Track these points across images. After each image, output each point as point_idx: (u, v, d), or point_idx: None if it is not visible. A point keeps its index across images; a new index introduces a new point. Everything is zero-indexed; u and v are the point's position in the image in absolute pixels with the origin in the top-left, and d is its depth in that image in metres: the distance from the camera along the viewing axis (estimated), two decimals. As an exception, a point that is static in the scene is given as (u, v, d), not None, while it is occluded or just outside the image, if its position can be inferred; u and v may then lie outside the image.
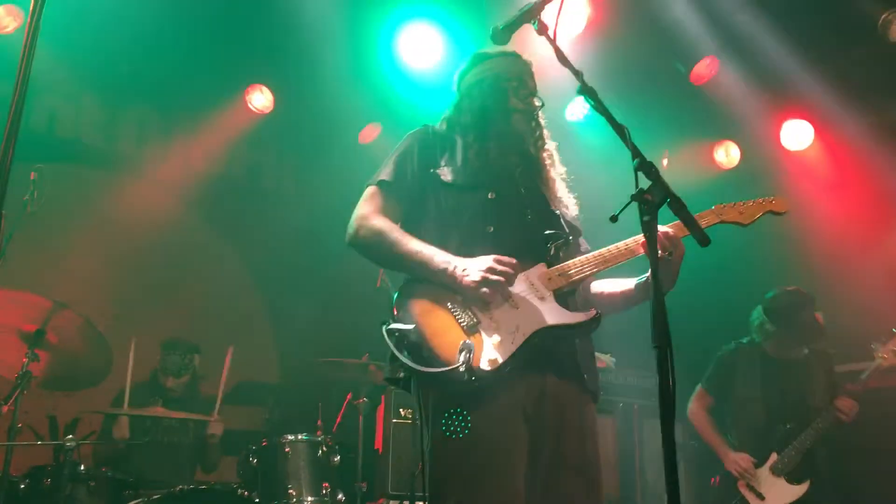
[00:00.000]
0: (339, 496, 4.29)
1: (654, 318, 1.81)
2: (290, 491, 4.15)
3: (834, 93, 5.70)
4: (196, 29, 5.54)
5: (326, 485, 4.24)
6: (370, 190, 2.68)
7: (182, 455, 5.00)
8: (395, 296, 2.50)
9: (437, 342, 2.32)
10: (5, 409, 3.74)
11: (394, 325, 2.38)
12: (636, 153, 1.97)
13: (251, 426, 5.75)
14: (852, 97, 5.69)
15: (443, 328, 2.35)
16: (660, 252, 2.25)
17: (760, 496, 4.47)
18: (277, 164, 7.15)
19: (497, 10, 4.78)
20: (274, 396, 5.98)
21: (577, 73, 2.19)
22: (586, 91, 2.16)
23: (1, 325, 4.02)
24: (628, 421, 5.53)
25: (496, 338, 2.32)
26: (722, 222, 2.58)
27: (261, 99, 6.34)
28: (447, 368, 2.23)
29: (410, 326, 2.36)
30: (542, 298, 2.42)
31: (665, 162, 6.50)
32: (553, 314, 2.39)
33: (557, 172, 2.80)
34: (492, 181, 2.63)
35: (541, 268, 2.49)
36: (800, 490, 4.46)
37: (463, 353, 2.23)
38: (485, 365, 2.25)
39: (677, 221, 2.08)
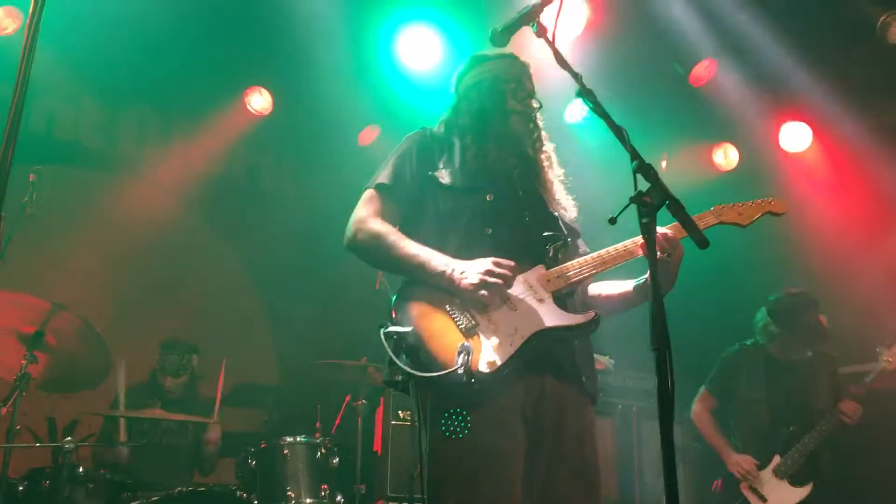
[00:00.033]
0: (338, 498, 4.28)
1: (652, 320, 1.81)
2: (289, 493, 4.14)
3: (833, 95, 5.70)
4: (195, 31, 5.54)
5: (325, 487, 4.23)
6: (368, 193, 2.68)
7: (181, 457, 4.99)
8: (394, 298, 2.50)
9: (435, 345, 2.31)
10: (4, 410, 3.74)
11: (392, 328, 2.37)
12: (635, 155, 1.97)
13: (250, 428, 5.75)
14: (851, 99, 5.69)
15: (441, 331, 2.35)
16: (658, 253, 2.25)
17: (763, 498, 4.47)
18: (276, 166, 7.15)
19: (496, 12, 4.78)
20: (273, 398, 5.99)
21: (576, 76, 2.20)
22: (585, 93, 2.16)
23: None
24: (627, 423, 5.53)
25: (494, 340, 2.32)
26: (721, 223, 2.59)
27: (260, 101, 6.34)
28: (446, 371, 2.23)
29: (408, 329, 2.36)
30: (540, 300, 2.42)
31: (664, 164, 6.51)
32: (552, 316, 2.39)
33: (556, 174, 2.80)
34: (490, 183, 2.63)
35: (539, 270, 2.49)
36: (803, 492, 4.46)
37: (461, 356, 2.22)
38: (483, 367, 2.25)
39: (676, 223, 2.08)
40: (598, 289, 2.68)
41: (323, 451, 4.34)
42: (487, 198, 2.60)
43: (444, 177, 2.65)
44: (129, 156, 6.35)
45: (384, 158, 2.76)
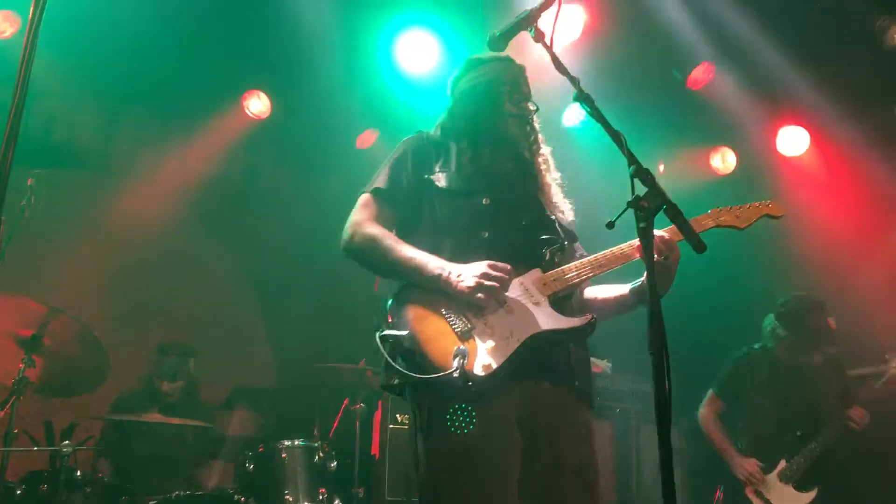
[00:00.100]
0: (336, 502, 4.28)
1: (650, 324, 1.81)
2: (287, 497, 4.14)
3: (830, 98, 5.72)
4: (194, 34, 5.54)
5: (323, 490, 4.23)
6: (364, 197, 2.68)
7: (179, 461, 4.98)
8: (390, 302, 2.50)
9: (431, 348, 2.31)
10: (1, 414, 3.74)
11: (387, 332, 2.38)
12: (632, 160, 1.97)
13: (248, 432, 5.73)
14: (848, 103, 5.70)
15: (437, 334, 2.35)
16: (655, 256, 2.25)
17: (768, 502, 4.47)
18: (275, 170, 7.14)
19: (494, 16, 4.79)
20: (270, 402, 5.97)
21: (574, 80, 2.20)
22: (583, 98, 2.17)
23: (-3, 331, 4.01)
24: (625, 426, 5.53)
25: (490, 343, 2.32)
26: (718, 226, 2.60)
27: (258, 104, 6.34)
28: (441, 374, 2.23)
29: (404, 333, 2.36)
30: (536, 303, 2.42)
31: (661, 168, 6.52)
32: (548, 319, 2.39)
33: (553, 177, 2.80)
34: (486, 186, 2.63)
35: (536, 273, 2.50)
36: (808, 497, 4.46)
37: (457, 359, 2.22)
38: (479, 370, 2.25)
39: (673, 226, 2.09)
40: (594, 292, 2.68)
41: (321, 454, 4.34)
42: (484, 201, 2.60)
43: (441, 180, 2.65)
44: (127, 159, 6.35)
45: (382, 162, 2.76)
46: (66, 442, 3.95)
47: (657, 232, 2.31)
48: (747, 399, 4.84)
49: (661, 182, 1.95)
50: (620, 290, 2.58)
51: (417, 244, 2.54)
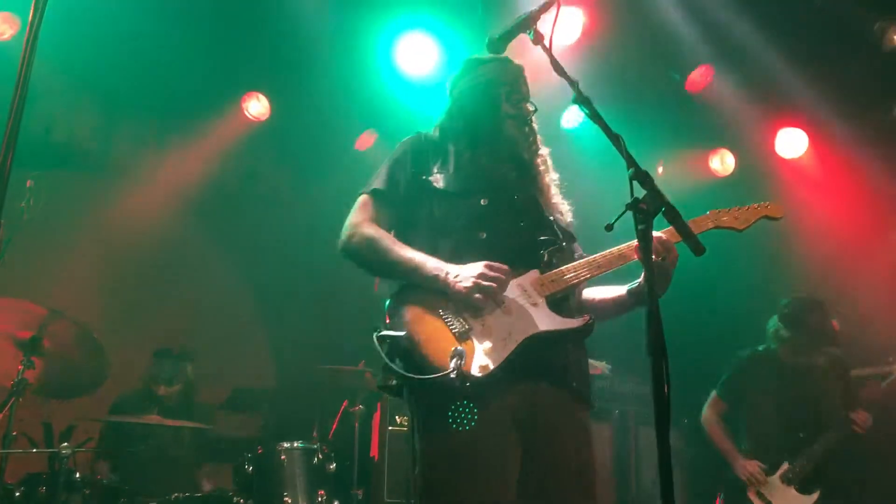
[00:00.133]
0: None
1: (648, 325, 1.82)
2: (286, 498, 4.14)
3: (829, 100, 5.72)
4: (193, 36, 5.54)
5: (322, 492, 4.23)
6: (362, 198, 2.68)
7: (177, 463, 4.98)
8: (388, 303, 2.51)
9: (428, 349, 2.32)
10: (0, 416, 3.73)
11: (385, 332, 2.38)
12: (631, 162, 1.98)
13: (247, 433, 5.74)
14: (847, 104, 5.71)
15: (434, 335, 2.35)
16: (653, 256, 2.26)
17: None
18: (274, 172, 7.14)
19: (493, 18, 4.80)
20: (270, 403, 5.97)
21: (573, 83, 2.20)
22: (581, 100, 2.17)
23: (-4, 333, 4.01)
24: (624, 428, 5.53)
25: (488, 344, 2.32)
26: (717, 227, 2.60)
27: (257, 106, 6.34)
28: (439, 375, 2.23)
29: (402, 333, 2.36)
30: (534, 304, 2.43)
31: (660, 169, 6.52)
32: (545, 320, 2.39)
33: (551, 178, 2.80)
34: (484, 187, 2.63)
35: (534, 274, 2.50)
36: (810, 500, 4.46)
37: (454, 360, 2.22)
38: (476, 371, 2.25)
39: (671, 227, 2.09)
40: (592, 293, 2.68)
41: (320, 456, 4.34)
42: (482, 202, 2.60)
43: (439, 181, 2.66)
44: (126, 161, 6.35)
45: (381, 163, 2.76)
46: (66, 444, 3.94)
47: (655, 233, 2.31)
48: (750, 400, 4.84)
49: (660, 184, 1.96)
50: (618, 291, 2.58)
51: (415, 245, 2.54)
